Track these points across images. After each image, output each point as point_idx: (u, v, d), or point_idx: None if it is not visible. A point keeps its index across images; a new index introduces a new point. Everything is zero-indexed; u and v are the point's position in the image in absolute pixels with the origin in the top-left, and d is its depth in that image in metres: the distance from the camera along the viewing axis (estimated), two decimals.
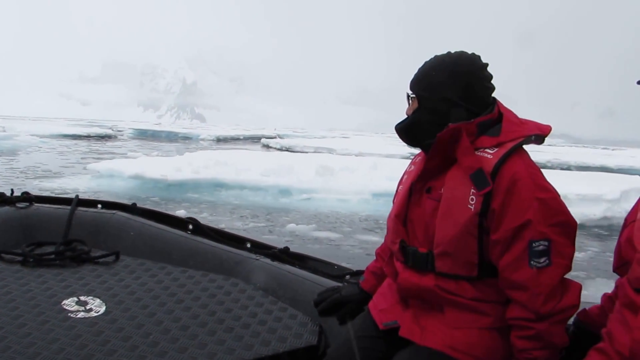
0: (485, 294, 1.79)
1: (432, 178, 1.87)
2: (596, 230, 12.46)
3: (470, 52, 1.89)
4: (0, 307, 2.50)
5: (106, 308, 2.60)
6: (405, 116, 1.94)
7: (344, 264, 3.01)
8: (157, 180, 15.37)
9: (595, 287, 7.67)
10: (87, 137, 50.65)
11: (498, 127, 1.81)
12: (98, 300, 2.67)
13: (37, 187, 14.71)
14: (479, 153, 1.77)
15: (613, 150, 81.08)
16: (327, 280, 2.78)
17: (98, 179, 16.74)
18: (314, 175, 16.15)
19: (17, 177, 17.84)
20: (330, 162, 17.77)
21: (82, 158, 27.42)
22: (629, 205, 1.80)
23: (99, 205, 3.75)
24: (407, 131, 1.94)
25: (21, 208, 3.57)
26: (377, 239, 9.86)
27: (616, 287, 1.68)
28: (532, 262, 1.67)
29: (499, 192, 1.70)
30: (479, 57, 1.88)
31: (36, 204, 3.64)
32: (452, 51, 1.91)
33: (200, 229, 3.45)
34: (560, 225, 1.69)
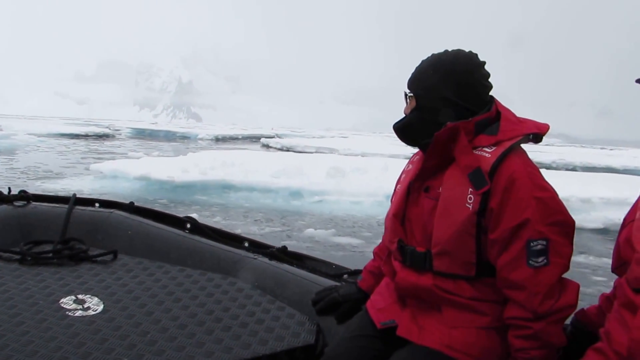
0: (483, 294, 1.78)
1: (430, 177, 1.87)
2: None
3: (467, 51, 1.89)
4: None
5: (104, 307, 2.60)
6: (403, 115, 1.94)
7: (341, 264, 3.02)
8: (163, 182, 14.97)
9: None
10: (85, 136, 50.47)
11: (496, 125, 1.81)
12: (96, 299, 2.67)
13: (40, 189, 14.40)
14: (477, 152, 1.77)
15: (612, 150, 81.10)
16: (324, 280, 2.79)
17: (101, 180, 16.38)
18: (325, 177, 15.81)
19: (19, 178, 17.52)
20: (340, 163, 17.41)
21: (82, 158, 27.18)
22: None
23: (97, 204, 3.75)
24: (405, 130, 1.93)
25: (19, 207, 3.57)
26: None
27: (614, 287, 1.67)
28: (530, 262, 1.66)
29: (497, 191, 1.69)
30: (476, 55, 1.87)
31: (34, 203, 3.64)
32: (449, 49, 1.90)
33: (198, 228, 3.45)
34: (559, 225, 1.69)
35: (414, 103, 1.90)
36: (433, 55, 1.91)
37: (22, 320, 2.37)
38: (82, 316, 2.47)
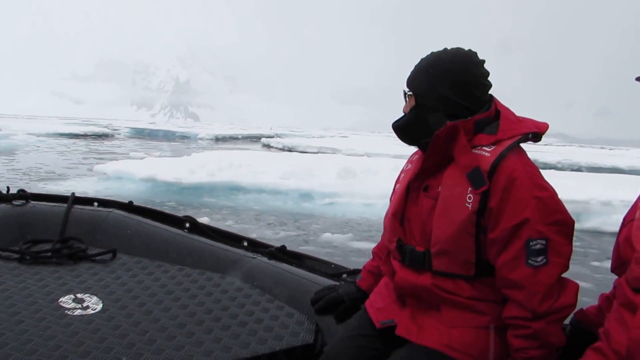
0: (482, 293, 1.78)
1: (429, 176, 1.87)
2: None
3: (467, 49, 1.89)
4: None
5: (103, 305, 2.60)
6: (402, 114, 1.94)
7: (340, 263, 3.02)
8: (170, 183, 14.62)
9: None
10: (84, 136, 50.31)
11: (495, 124, 1.81)
12: (95, 298, 2.67)
13: (43, 191, 13.43)
14: (476, 151, 1.76)
15: (611, 150, 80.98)
16: (324, 279, 2.79)
17: (105, 181, 16.04)
18: (335, 178, 15.42)
19: (21, 180, 17.16)
20: (350, 164, 17.05)
21: (83, 158, 26.97)
22: None
23: (96, 203, 3.75)
24: (404, 129, 1.93)
25: (17, 206, 3.56)
26: None
27: (614, 287, 1.67)
28: (529, 261, 1.66)
29: (496, 190, 1.69)
30: (475, 53, 1.87)
31: (32, 202, 3.64)
32: (449, 48, 1.90)
33: (197, 227, 3.46)
34: (558, 224, 1.69)
35: (413, 102, 1.89)
36: (432, 53, 1.91)
37: (21, 319, 2.37)
38: (81, 315, 2.47)
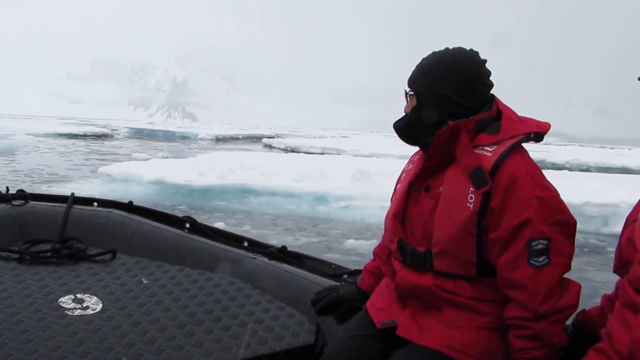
0: (483, 294, 1.78)
1: (430, 176, 1.87)
2: None
3: (468, 48, 1.88)
4: None
5: (103, 306, 2.59)
6: (404, 114, 1.93)
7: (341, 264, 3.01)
8: (179, 186, 14.01)
9: None
10: (84, 136, 49.98)
11: (497, 124, 1.80)
12: (95, 298, 2.67)
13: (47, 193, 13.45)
14: (478, 151, 1.76)
15: (612, 149, 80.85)
16: (324, 280, 2.78)
17: (111, 183, 15.43)
18: (350, 180, 14.88)
19: (23, 182, 16.61)
20: (363, 166, 16.46)
21: (85, 159, 26.55)
22: None
23: (95, 204, 3.75)
24: (405, 129, 1.92)
25: (17, 206, 3.56)
26: None
27: (616, 288, 1.67)
28: (531, 261, 1.66)
29: (498, 190, 1.69)
30: (477, 53, 1.86)
31: (32, 202, 3.64)
32: (450, 47, 1.90)
33: (197, 228, 3.46)
34: (560, 224, 1.68)
35: (414, 102, 1.89)
36: (434, 53, 1.90)
37: (21, 319, 2.36)
38: (81, 315, 2.47)
